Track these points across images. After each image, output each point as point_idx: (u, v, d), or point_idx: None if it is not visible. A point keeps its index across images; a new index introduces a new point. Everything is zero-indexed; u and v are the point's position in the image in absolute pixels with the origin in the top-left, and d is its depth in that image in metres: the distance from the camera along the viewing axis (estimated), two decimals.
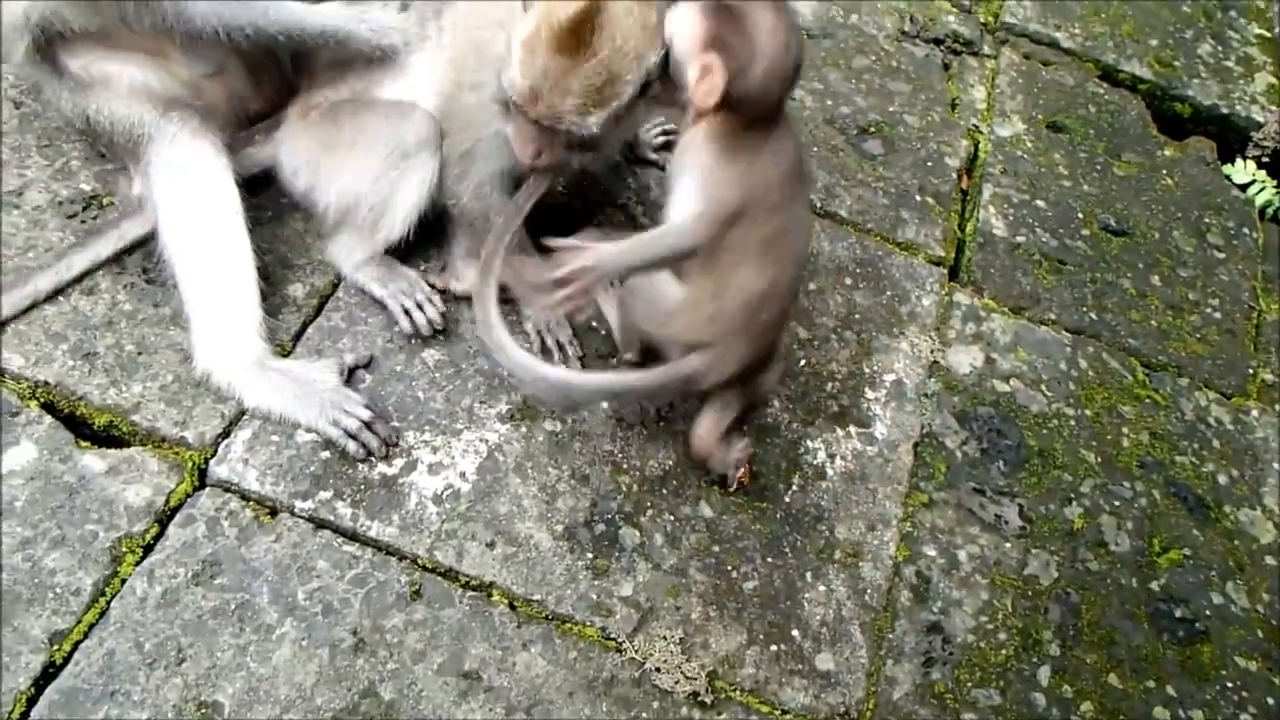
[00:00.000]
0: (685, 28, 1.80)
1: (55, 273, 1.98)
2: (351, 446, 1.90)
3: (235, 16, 1.91)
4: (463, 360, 2.08)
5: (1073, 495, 2.18)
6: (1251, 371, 2.50)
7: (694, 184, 1.78)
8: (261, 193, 2.13)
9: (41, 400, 1.88)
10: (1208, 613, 2.06)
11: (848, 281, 2.43)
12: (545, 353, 2.11)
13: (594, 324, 2.18)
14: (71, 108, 2.01)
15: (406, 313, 2.07)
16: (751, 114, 1.79)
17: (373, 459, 1.91)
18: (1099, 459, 2.25)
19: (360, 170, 2.02)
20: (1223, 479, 2.28)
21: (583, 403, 2.02)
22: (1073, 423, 2.30)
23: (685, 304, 1.81)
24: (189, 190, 1.96)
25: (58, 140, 2.18)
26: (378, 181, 2.01)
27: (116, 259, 2.05)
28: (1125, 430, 2.32)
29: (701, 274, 1.80)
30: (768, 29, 1.75)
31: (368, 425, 1.91)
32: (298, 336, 2.06)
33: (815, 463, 2.11)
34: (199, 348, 1.94)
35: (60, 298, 1.98)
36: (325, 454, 1.91)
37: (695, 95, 1.77)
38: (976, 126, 2.90)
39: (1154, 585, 2.08)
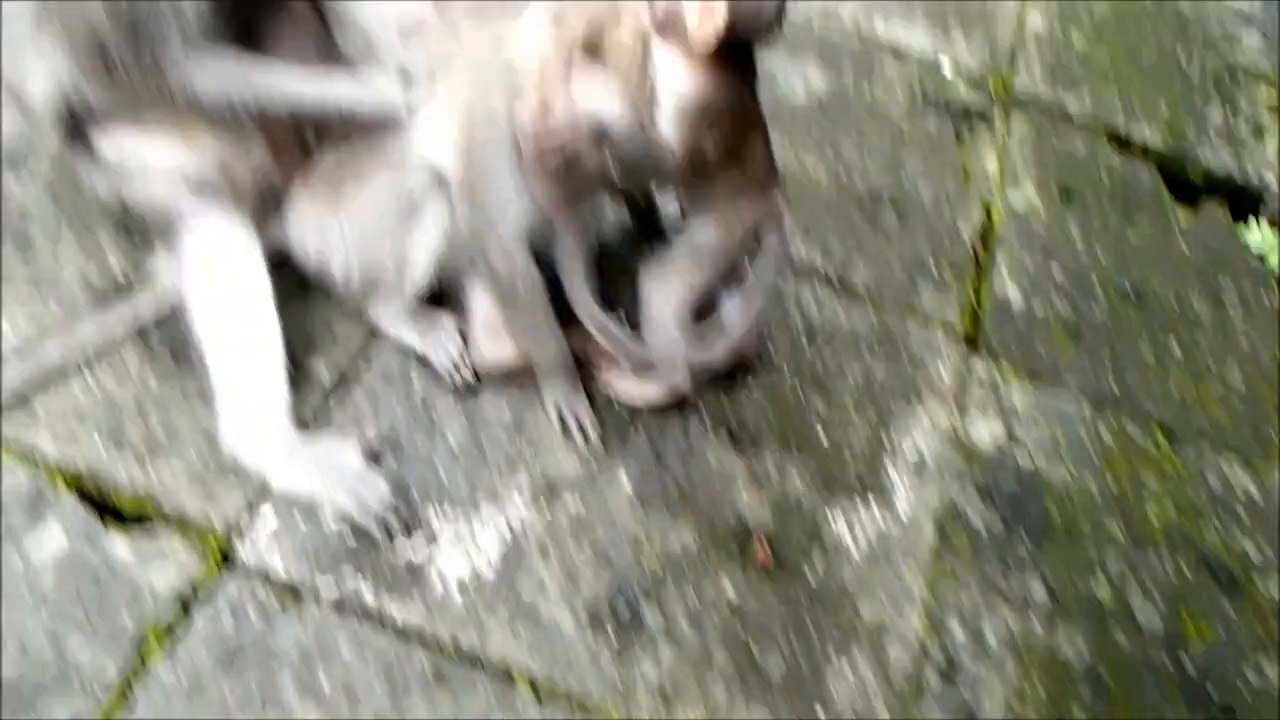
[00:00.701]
0: None
1: (73, 346, 2.00)
2: (374, 528, 1.91)
3: (238, 89, 1.94)
4: (485, 439, 2.09)
5: (1099, 569, 2.16)
6: (1276, 437, 2.49)
7: None
8: (285, 268, 2.16)
9: (71, 483, 1.90)
10: (1241, 690, 2.03)
11: (864, 353, 2.44)
12: (565, 430, 2.12)
13: (614, 402, 2.20)
14: (107, 190, 2.06)
15: (448, 367, 2.11)
16: (735, 59, 1.80)
17: (395, 541, 1.92)
18: (1125, 531, 2.23)
19: (370, 228, 2.05)
20: (1251, 550, 2.26)
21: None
22: (1096, 494, 2.29)
23: None
24: (218, 271, 2.00)
25: (90, 223, 2.23)
26: (392, 236, 2.03)
27: (137, 336, 2.09)
28: (1150, 501, 2.31)
29: None
30: None
31: (390, 506, 1.93)
32: (321, 414, 2.08)
33: (837, 539, 2.11)
34: (226, 427, 1.96)
35: (92, 381, 2.01)
36: (349, 537, 1.91)
37: (692, 35, 1.74)
38: (990, 195, 2.92)
39: (1186, 662, 2.05)
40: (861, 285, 2.57)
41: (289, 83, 1.97)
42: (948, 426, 2.33)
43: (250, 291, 1.99)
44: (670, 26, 1.76)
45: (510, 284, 2.01)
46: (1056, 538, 2.20)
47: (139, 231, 2.13)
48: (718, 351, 2.11)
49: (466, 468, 2.05)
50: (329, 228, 2.07)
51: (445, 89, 2.00)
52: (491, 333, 2.13)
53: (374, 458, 2.00)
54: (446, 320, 2.15)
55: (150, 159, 2.00)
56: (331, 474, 1.94)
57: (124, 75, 1.85)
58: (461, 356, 2.12)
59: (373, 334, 2.19)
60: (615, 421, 2.17)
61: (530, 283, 1.99)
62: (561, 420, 2.12)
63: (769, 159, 2.06)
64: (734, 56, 1.82)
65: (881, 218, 2.77)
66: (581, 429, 2.12)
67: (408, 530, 1.93)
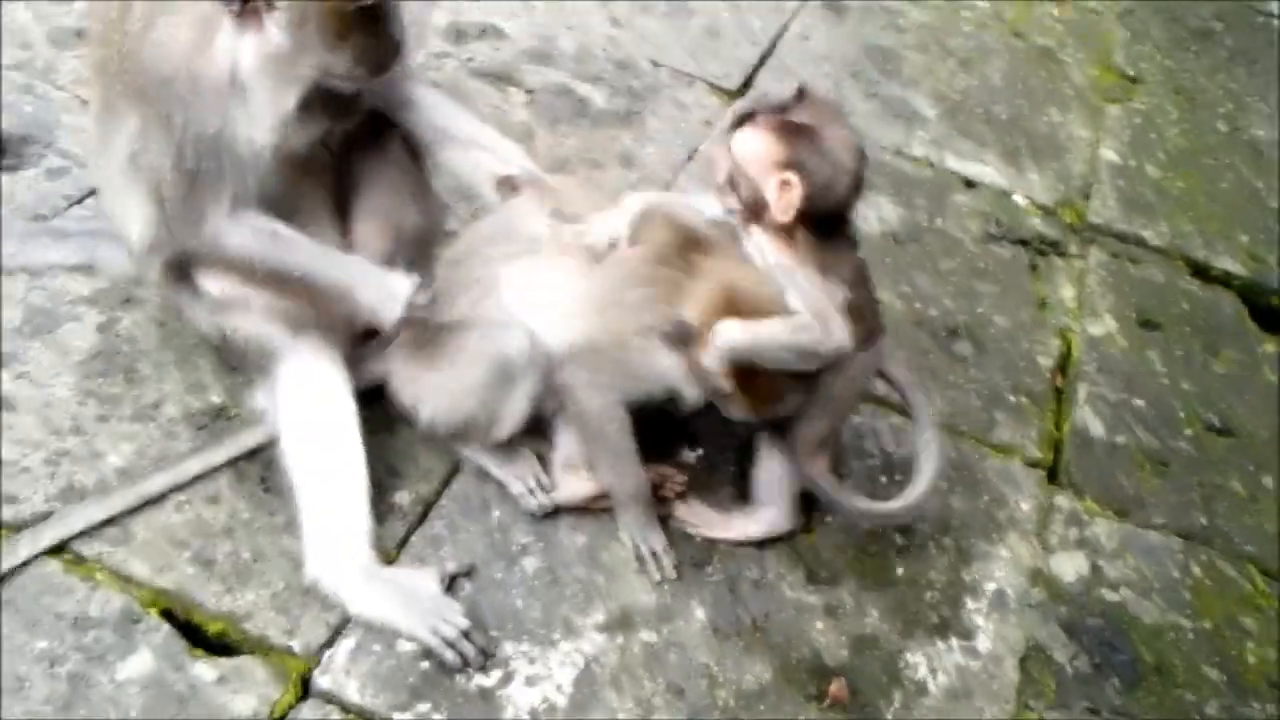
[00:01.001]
0: (757, 147, 2.00)
1: (170, 475, 2.10)
2: (449, 656, 1.93)
3: (261, 254, 2.03)
4: (560, 569, 2.11)
5: (1197, 717, 2.06)
6: None
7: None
8: (374, 402, 2.24)
9: (161, 607, 1.96)
10: None
11: (943, 486, 2.41)
12: (640, 561, 2.14)
13: (687, 531, 2.21)
14: (209, 326, 2.17)
15: (529, 491, 2.17)
16: (826, 225, 1.98)
17: (470, 670, 1.93)
18: (1222, 676, 2.14)
19: (465, 385, 2.13)
20: None
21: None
22: (1190, 635, 2.20)
23: None
24: (310, 403, 2.09)
25: (193, 355, 2.36)
26: (482, 399, 2.12)
27: (232, 465, 2.18)
28: (1248, 644, 2.21)
29: None
30: (842, 144, 1.90)
31: (465, 635, 1.95)
32: (402, 544, 2.12)
33: (916, 677, 2.05)
34: (310, 554, 2.02)
35: (186, 505, 2.10)
36: (424, 665, 1.93)
37: (775, 210, 1.95)
38: (1067, 325, 2.92)
39: None
40: (938, 416, 2.56)
41: (305, 254, 2.04)
42: (1030, 561, 2.28)
43: (338, 424, 2.07)
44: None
45: (601, 427, 2.10)
46: (1149, 682, 2.11)
47: (238, 363, 2.24)
48: (905, 502, 2.17)
49: (542, 597, 2.06)
50: (424, 379, 2.18)
51: (546, 262, 2.12)
52: (571, 470, 2.19)
53: (450, 585, 2.03)
54: (527, 453, 2.22)
55: (253, 298, 2.12)
56: (409, 602, 1.97)
57: (168, 220, 1.99)
58: (540, 484, 2.18)
59: (455, 467, 2.25)
60: (690, 554, 2.18)
61: (620, 424, 2.09)
62: (638, 552, 2.14)
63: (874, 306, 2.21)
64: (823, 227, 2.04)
65: (957, 348, 2.77)
66: (657, 561, 2.13)
67: (483, 658, 1.94)
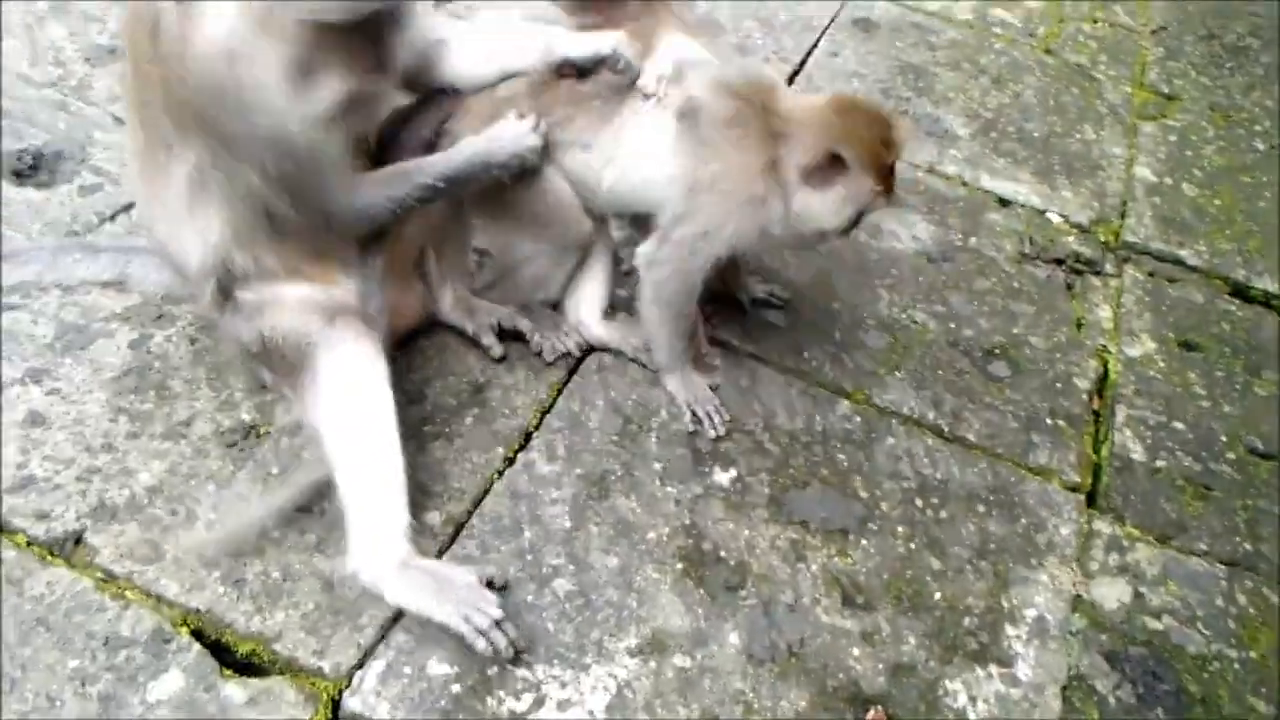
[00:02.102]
0: None
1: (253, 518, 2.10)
2: (481, 644, 1.93)
3: (396, 191, 2.11)
4: (592, 591, 2.08)
5: None
6: None
7: None
8: (406, 416, 2.21)
9: (191, 627, 1.95)
10: None
11: (980, 509, 2.37)
12: (697, 421, 2.41)
13: (723, 555, 2.18)
14: (246, 332, 2.15)
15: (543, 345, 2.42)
16: None
17: (501, 659, 1.93)
18: (1270, 708, 2.08)
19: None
20: None
21: None
22: (1237, 666, 2.15)
23: None
24: (350, 394, 2.07)
25: (224, 373, 2.35)
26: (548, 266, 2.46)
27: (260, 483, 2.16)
28: None
29: None
30: None
31: (498, 625, 1.94)
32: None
33: (955, 706, 2.01)
34: (350, 546, 2.02)
35: (217, 525, 2.08)
36: (455, 688, 1.91)
37: None
38: (1104, 346, 2.87)
39: None
40: (975, 438, 2.53)
41: (430, 162, 2.14)
42: (1070, 587, 2.23)
43: (377, 416, 2.06)
44: None
45: (682, 286, 2.32)
46: (1193, 712, 2.06)
47: (276, 368, 2.21)
48: None
49: (574, 619, 2.03)
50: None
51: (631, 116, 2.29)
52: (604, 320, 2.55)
53: (489, 585, 2.02)
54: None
55: (287, 294, 2.11)
56: (443, 590, 1.97)
57: (290, 223, 2.01)
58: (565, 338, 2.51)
59: (488, 487, 2.23)
60: (724, 577, 2.14)
61: (697, 287, 2.34)
62: (694, 413, 2.39)
63: None
64: None
65: (993, 369, 2.73)
66: (712, 419, 2.37)
67: (513, 651, 1.94)
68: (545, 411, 2.41)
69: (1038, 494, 2.42)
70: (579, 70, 2.26)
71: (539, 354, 2.51)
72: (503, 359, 2.49)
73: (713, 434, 2.38)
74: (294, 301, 2.08)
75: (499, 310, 2.53)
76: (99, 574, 1.97)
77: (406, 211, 2.16)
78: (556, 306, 2.58)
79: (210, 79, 1.84)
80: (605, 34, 2.27)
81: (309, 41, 1.90)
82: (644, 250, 2.34)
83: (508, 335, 2.52)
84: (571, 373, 2.51)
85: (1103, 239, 3.25)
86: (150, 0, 1.85)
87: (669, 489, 2.29)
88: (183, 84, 1.86)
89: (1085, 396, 2.70)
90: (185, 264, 2.07)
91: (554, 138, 2.26)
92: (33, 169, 2.75)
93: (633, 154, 2.29)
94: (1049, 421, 2.61)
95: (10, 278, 2.41)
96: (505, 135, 2.17)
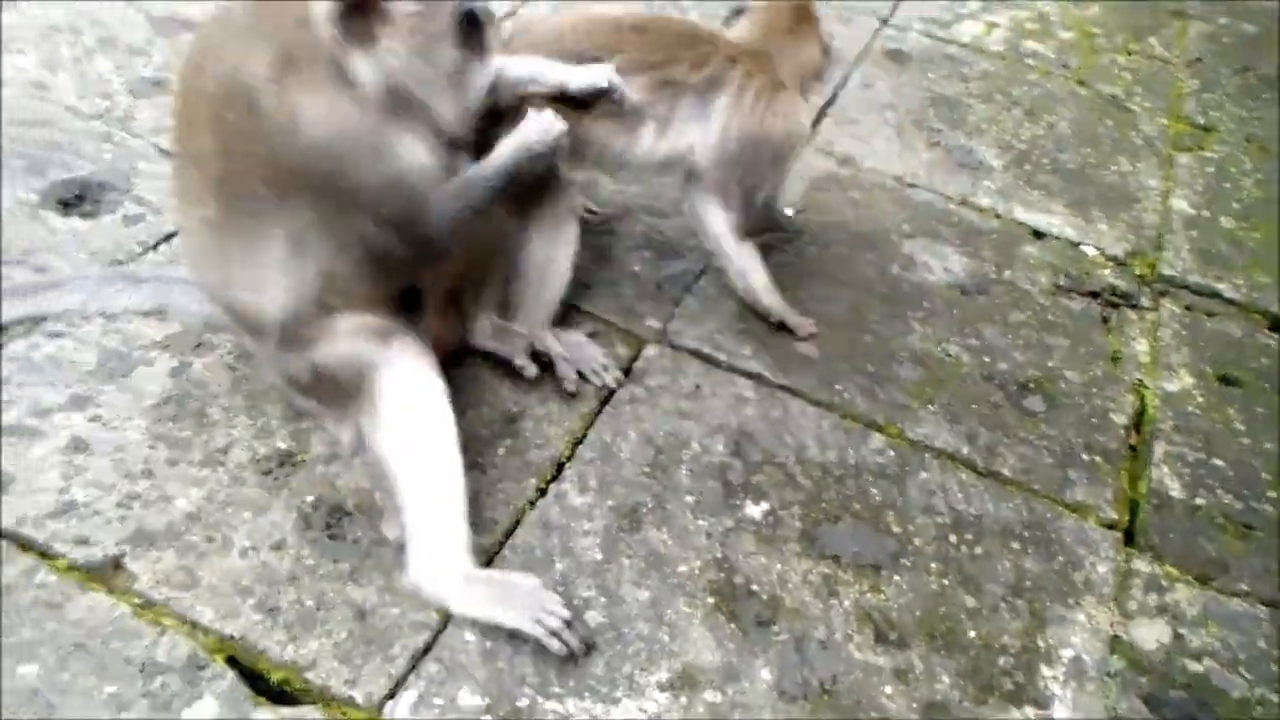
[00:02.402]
0: None
1: None
2: (555, 645, 1.97)
3: (470, 195, 2.17)
4: (623, 624, 2.08)
5: None
6: None
7: None
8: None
9: (226, 654, 1.96)
10: None
11: (1015, 545, 2.35)
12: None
13: (755, 590, 2.17)
14: (295, 365, 2.17)
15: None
16: None
17: (575, 660, 1.97)
18: None
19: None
20: None
21: None
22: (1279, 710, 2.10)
23: None
24: (413, 412, 2.10)
25: (261, 401, 2.38)
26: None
27: (296, 510, 2.18)
28: None
29: None
30: None
31: (568, 624, 1.98)
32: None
33: None
34: (411, 560, 2.06)
35: (252, 552, 2.10)
36: (486, 719, 1.90)
37: None
38: (1141, 381, 2.84)
39: None
40: (1009, 473, 2.50)
41: (491, 163, 2.20)
42: (1108, 627, 2.20)
43: (439, 432, 2.09)
44: None
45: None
46: None
47: (315, 403, 2.24)
48: None
49: (605, 652, 2.03)
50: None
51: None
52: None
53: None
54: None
55: (339, 322, 2.13)
56: (509, 596, 2.02)
57: (392, 260, 2.08)
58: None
59: (519, 518, 2.24)
60: (756, 611, 2.13)
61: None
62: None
63: None
64: None
65: (1028, 403, 2.71)
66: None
67: (586, 649, 1.99)
68: (577, 442, 2.42)
69: (1074, 531, 2.39)
70: (578, 101, 2.42)
71: (562, 382, 2.53)
72: (537, 379, 2.52)
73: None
74: (347, 329, 2.10)
75: (532, 335, 2.55)
76: (136, 600, 1.99)
77: (475, 217, 2.23)
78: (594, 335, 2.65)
79: (327, 149, 1.93)
80: (601, 66, 2.43)
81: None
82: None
83: (539, 363, 2.54)
84: (603, 404, 2.52)
85: (1139, 272, 3.23)
86: (237, 81, 1.92)
87: (700, 522, 2.29)
88: (292, 154, 1.93)
89: (1122, 432, 2.67)
90: (262, 319, 2.09)
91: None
92: (78, 199, 2.81)
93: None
94: (1085, 457, 2.58)
95: (57, 305, 2.46)
96: (535, 127, 2.24)
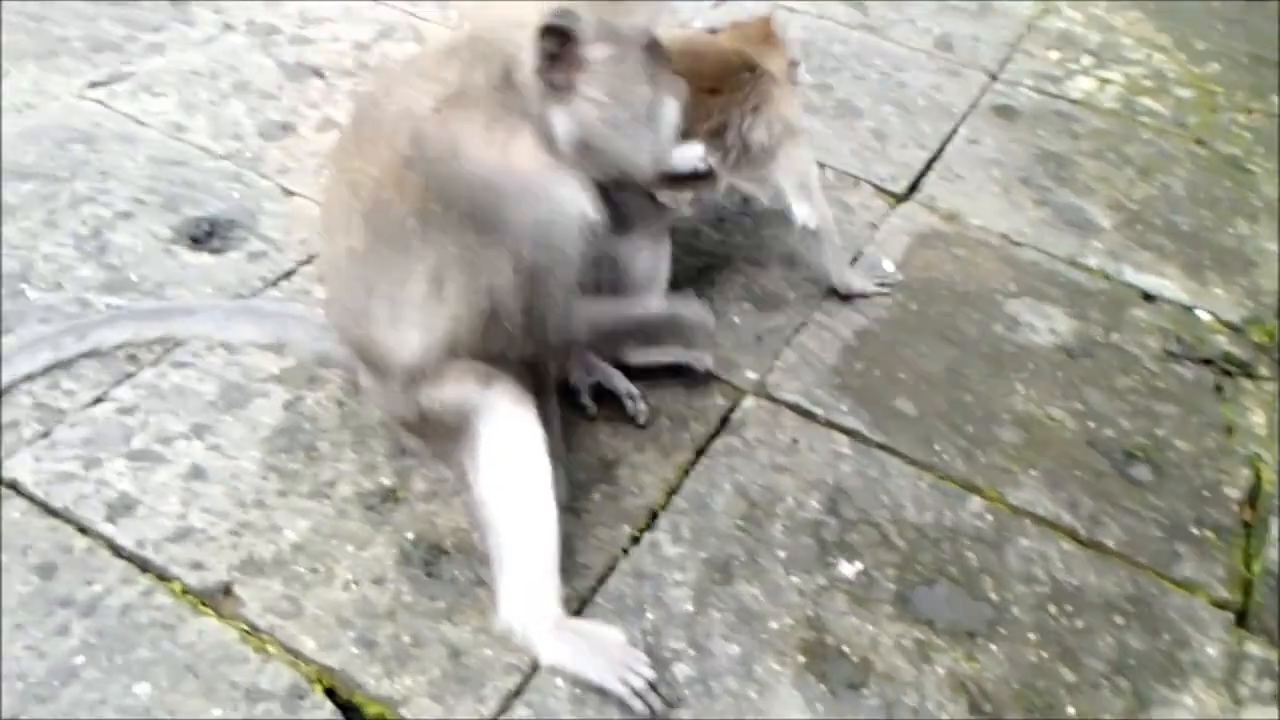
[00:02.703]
0: None
1: None
2: (638, 705, 1.98)
3: (596, 325, 2.25)
4: (712, 679, 2.07)
5: None
6: None
7: None
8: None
9: (325, 684, 2.02)
10: None
11: (1118, 620, 2.27)
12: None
13: (844, 650, 2.14)
14: (404, 405, 2.23)
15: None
16: None
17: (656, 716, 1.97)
18: None
19: None
20: None
21: None
22: None
23: None
24: (509, 459, 2.12)
25: (368, 437, 2.46)
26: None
27: (396, 545, 2.24)
28: None
29: None
30: None
31: (652, 686, 1.99)
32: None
33: None
34: (502, 604, 2.09)
35: (354, 585, 2.17)
36: None
37: None
38: (1258, 454, 2.73)
39: None
40: (1114, 544, 2.43)
41: (627, 311, 2.35)
42: (1217, 714, 2.11)
43: (535, 480, 2.11)
44: None
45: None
46: None
47: (428, 439, 2.30)
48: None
49: (693, 707, 2.03)
50: None
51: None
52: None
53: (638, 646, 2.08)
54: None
55: (447, 366, 2.17)
56: (597, 651, 2.03)
57: (509, 332, 2.09)
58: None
59: (612, 565, 2.26)
60: (846, 674, 2.11)
61: None
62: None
63: None
64: None
65: (1135, 472, 2.63)
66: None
67: (668, 708, 1.98)
68: (672, 492, 2.44)
69: (1182, 609, 2.31)
70: (674, 179, 2.59)
71: (633, 419, 2.56)
72: (632, 426, 2.56)
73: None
74: (454, 372, 2.16)
75: (602, 369, 2.60)
76: (244, 626, 2.07)
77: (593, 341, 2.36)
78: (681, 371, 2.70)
79: (485, 181, 1.95)
80: (693, 149, 2.58)
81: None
82: None
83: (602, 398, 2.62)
84: (699, 454, 2.54)
85: (1256, 340, 3.11)
86: (407, 109, 1.97)
87: (793, 578, 2.28)
88: (450, 185, 1.95)
89: (1235, 506, 2.58)
90: (392, 357, 2.13)
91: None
92: (208, 235, 2.96)
93: None
94: (1195, 531, 2.49)
95: (187, 331, 2.62)
96: (695, 312, 2.33)
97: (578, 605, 2.18)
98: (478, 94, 1.96)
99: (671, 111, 2.14)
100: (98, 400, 2.46)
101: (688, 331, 2.37)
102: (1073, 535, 2.45)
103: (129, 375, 2.52)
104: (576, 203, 2.02)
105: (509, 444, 2.13)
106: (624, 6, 1.97)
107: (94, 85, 3.51)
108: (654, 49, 2.07)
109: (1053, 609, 2.28)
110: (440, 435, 2.23)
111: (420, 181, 1.95)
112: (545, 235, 2.00)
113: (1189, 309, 3.21)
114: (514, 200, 1.97)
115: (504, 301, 2.04)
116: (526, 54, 1.90)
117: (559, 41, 1.89)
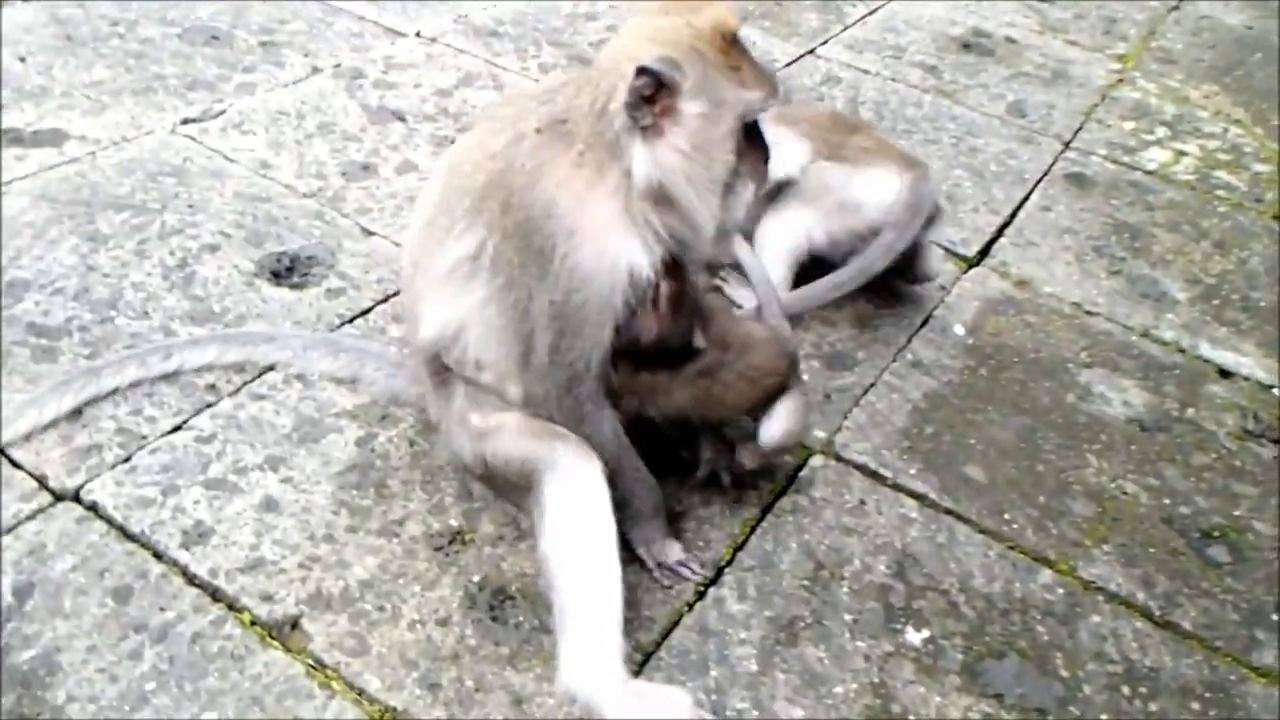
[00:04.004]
0: None
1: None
2: None
3: (606, 456, 2.20)
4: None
5: None
6: None
7: None
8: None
9: None
10: None
11: (1194, 706, 2.21)
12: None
13: None
14: (470, 453, 2.28)
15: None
16: None
17: None
18: None
19: None
20: None
21: None
22: None
23: None
24: (576, 521, 2.13)
25: (437, 477, 2.48)
26: None
27: (463, 589, 2.24)
28: None
29: None
30: None
31: None
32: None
33: None
34: (565, 663, 2.07)
35: (419, 625, 2.17)
36: None
37: None
38: None
39: None
40: (1190, 626, 2.37)
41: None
42: None
43: (599, 539, 2.11)
44: None
45: None
46: None
47: (495, 488, 2.33)
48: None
49: None
50: None
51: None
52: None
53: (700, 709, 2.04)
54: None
55: (510, 422, 2.22)
56: (660, 711, 2.00)
57: (536, 369, 2.14)
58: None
59: (677, 619, 2.25)
60: None
61: None
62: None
63: None
64: None
65: (1211, 553, 2.57)
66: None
67: None
68: (738, 548, 2.42)
69: (1261, 698, 2.24)
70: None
71: (716, 478, 2.52)
72: (699, 480, 2.54)
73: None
74: (516, 426, 2.18)
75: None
76: (310, 661, 2.08)
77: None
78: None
79: (547, 208, 2.02)
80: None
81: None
82: None
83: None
84: (766, 511, 2.52)
85: None
86: (512, 113, 2.12)
87: (859, 643, 2.24)
88: (522, 200, 2.04)
89: None
90: (417, 329, 2.26)
91: None
92: (289, 270, 3.03)
93: None
94: (1275, 618, 2.42)
95: (269, 358, 2.69)
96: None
97: (641, 659, 2.16)
98: (578, 119, 2.03)
99: (747, 194, 2.14)
100: (177, 428, 2.51)
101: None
102: (1147, 615, 2.39)
103: (209, 405, 2.58)
104: (631, 261, 2.05)
105: (575, 506, 2.13)
106: (742, 79, 2.02)
107: (187, 121, 3.63)
108: (755, 132, 2.10)
109: (1126, 690, 2.22)
110: (506, 487, 2.26)
111: (504, 197, 2.04)
112: (587, 282, 2.03)
113: (1268, 387, 3.15)
114: (573, 240, 2.01)
115: (537, 335, 2.10)
116: (621, 88, 1.97)
117: (653, 84, 1.94)
